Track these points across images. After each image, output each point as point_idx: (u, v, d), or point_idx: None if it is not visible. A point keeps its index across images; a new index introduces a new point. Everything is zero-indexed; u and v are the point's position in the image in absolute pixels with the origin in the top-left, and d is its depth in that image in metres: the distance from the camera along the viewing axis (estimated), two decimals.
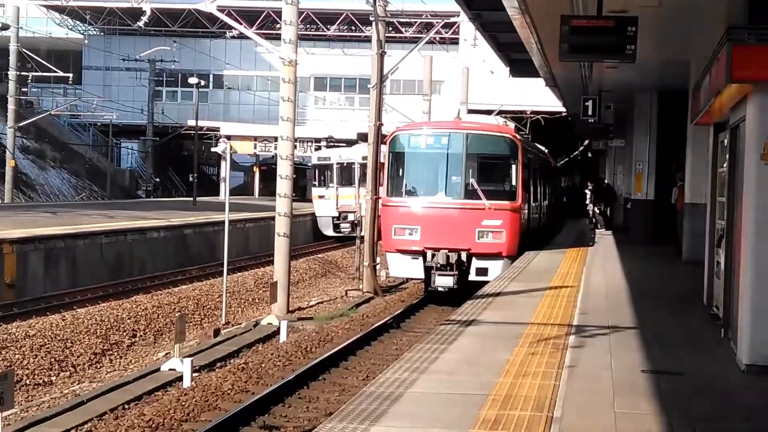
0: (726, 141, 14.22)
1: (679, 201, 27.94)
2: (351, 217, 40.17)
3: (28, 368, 18.01)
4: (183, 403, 14.71)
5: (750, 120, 11.36)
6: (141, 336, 21.88)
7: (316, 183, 44.02)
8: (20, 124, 49.85)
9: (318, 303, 27.46)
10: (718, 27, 14.30)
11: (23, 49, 48.20)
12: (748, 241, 11.28)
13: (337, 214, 43.47)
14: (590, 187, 45.18)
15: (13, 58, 46.64)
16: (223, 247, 25.24)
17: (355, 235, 36.18)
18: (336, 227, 43.83)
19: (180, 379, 16.51)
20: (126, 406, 15.05)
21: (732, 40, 11.46)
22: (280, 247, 24.75)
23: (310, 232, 49.44)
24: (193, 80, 62.79)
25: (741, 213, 11.94)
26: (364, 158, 35.71)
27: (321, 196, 44.07)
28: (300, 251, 41.70)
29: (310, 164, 50.34)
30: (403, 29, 46.14)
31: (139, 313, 23.31)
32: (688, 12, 16.90)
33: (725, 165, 14.28)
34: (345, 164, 42.96)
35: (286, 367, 17.56)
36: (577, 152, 60.27)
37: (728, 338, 12.86)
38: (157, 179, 71.52)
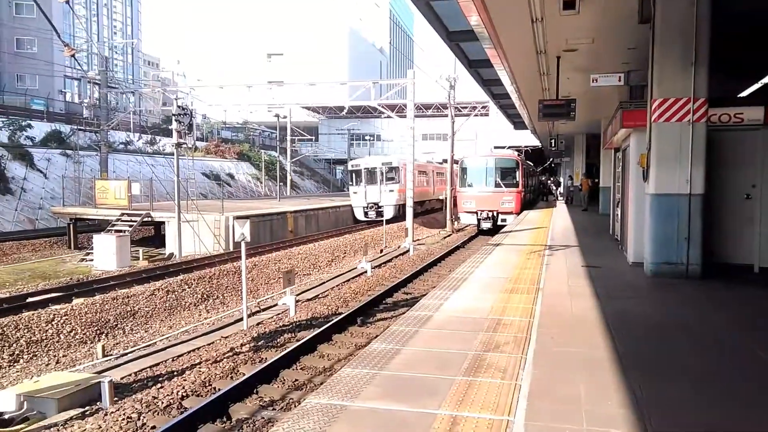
0: (620, 156, 13.78)
1: (583, 186, 27.58)
2: (391, 203, 32.26)
3: (299, 267, 18.59)
4: (368, 282, 15.01)
5: (632, 145, 11.01)
6: (348, 252, 22.29)
7: (352, 183, 33.46)
8: (292, 160, 50.97)
9: (426, 237, 27.46)
10: (614, 102, 13.81)
11: (293, 126, 49.05)
12: (631, 203, 10.97)
13: (366, 204, 32.38)
14: (553, 181, 44.42)
15: (288, 131, 47.63)
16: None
17: (380, 219, 29.86)
18: (365, 214, 32.59)
19: (366, 272, 16.82)
20: (343, 284, 15.44)
21: (622, 107, 11.09)
22: (409, 212, 24.85)
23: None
24: (368, 137, 64.07)
25: (628, 190, 11.59)
26: (383, 164, 32.10)
27: (355, 192, 32.94)
28: (420, 214, 39.40)
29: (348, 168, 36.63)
30: (462, 110, 45.43)
31: (347, 243, 23.76)
32: (600, 96, 16.33)
33: (620, 168, 13.85)
34: (370, 169, 32.36)
35: (413, 265, 17.71)
36: (546, 164, 58.55)
37: (622, 250, 12.48)
38: None
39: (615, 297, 7.99)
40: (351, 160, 34.71)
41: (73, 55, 8.65)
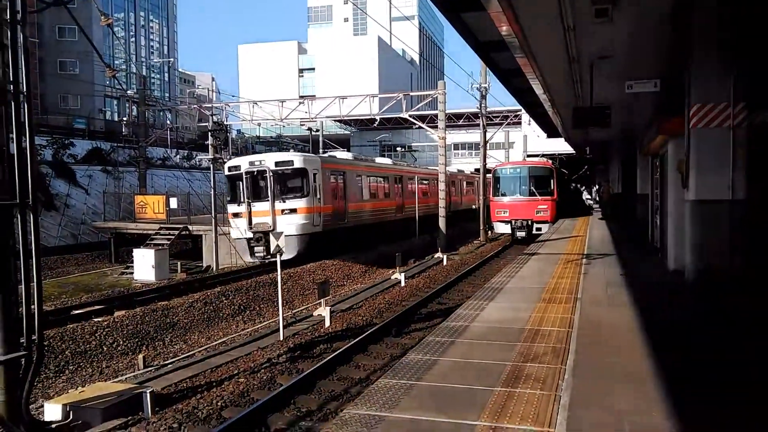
0: (658, 162, 13.53)
1: (605, 194, 27.33)
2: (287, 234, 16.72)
3: (333, 278, 18.56)
4: (401, 293, 14.99)
5: (669, 152, 10.80)
6: (382, 264, 22.18)
7: (232, 199, 19.66)
8: None
9: (460, 247, 27.28)
10: (651, 108, 13.58)
11: (325, 139, 49.52)
12: (670, 210, 10.75)
13: (251, 235, 18.79)
14: (592, 189, 43.88)
15: (321, 144, 48.12)
16: (415, 224, 25.56)
17: (275, 260, 12.34)
18: (251, 251, 19.04)
19: (399, 282, 16.74)
20: (377, 295, 15.39)
21: (659, 114, 10.92)
22: (442, 222, 24.77)
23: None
24: (399, 149, 64.12)
25: (666, 197, 11.36)
26: (278, 164, 18.72)
27: (236, 214, 19.29)
28: (450, 225, 37.98)
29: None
30: (494, 118, 45.05)
31: (381, 255, 23.59)
32: (636, 103, 16.05)
33: (657, 174, 13.60)
34: (256, 173, 18.80)
35: (447, 275, 17.61)
36: (581, 172, 57.77)
37: (662, 257, 12.20)
38: None
39: (656, 306, 7.81)
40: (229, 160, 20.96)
41: (114, 76, 8.93)
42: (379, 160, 28.78)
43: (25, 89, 6.06)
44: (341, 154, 25.00)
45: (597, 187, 40.27)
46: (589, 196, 42.99)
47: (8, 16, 5.89)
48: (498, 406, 4.43)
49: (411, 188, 29.14)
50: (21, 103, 6.06)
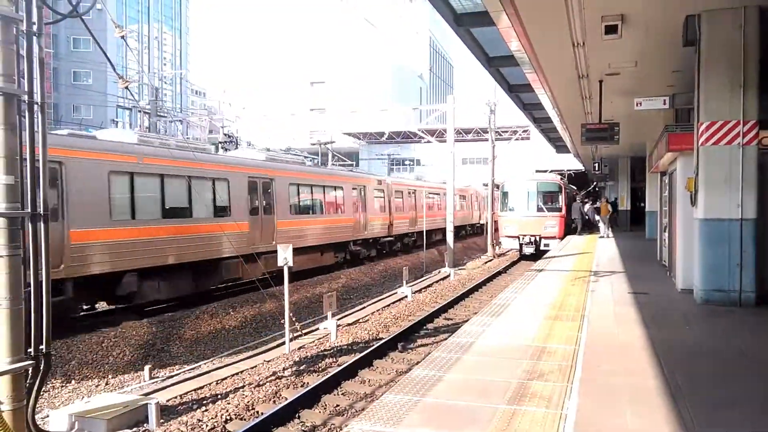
0: (666, 180, 13.49)
1: (603, 210, 27.00)
2: None
3: (340, 293, 18.49)
4: (408, 307, 14.88)
5: (678, 169, 10.77)
6: (389, 278, 22.13)
7: None
8: None
9: (467, 262, 27.17)
10: (660, 125, 13.57)
11: (334, 152, 49.73)
12: (679, 228, 10.70)
13: None
14: (594, 205, 43.73)
15: (329, 157, 48.35)
16: (423, 237, 25.53)
17: None
18: None
19: (406, 297, 16.64)
20: (383, 309, 15.31)
21: (668, 131, 10.89)
22: (449, 236, 24.69)
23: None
24: (408, 162, 64.15)
25: (675, 215, 11.31)
26: None
27: None
28: (459, 239, 35.77)
29: None
30: (503, 134, 45.03)
31: (389, 269, 23.57)
32: (644, 119, 16.06)
33: (666, 192, 13.56)
34: None
35: (454, 291, 17.51)
36: (590, 188, 57.58)
37: (670, 276, 12.12)
38: None
39: (664, 325, 7.75)
40: None
41: (126, 87, 9.02)
42: (241, 152, 19.93)
43: (39, 99, 6.15)
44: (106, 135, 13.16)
45: (592, 202, 39.98)
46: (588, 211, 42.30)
47: (24, 27, 5.99)
48: (503, 424, 4.41)
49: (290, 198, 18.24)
50: (35, 112, 6.14)
